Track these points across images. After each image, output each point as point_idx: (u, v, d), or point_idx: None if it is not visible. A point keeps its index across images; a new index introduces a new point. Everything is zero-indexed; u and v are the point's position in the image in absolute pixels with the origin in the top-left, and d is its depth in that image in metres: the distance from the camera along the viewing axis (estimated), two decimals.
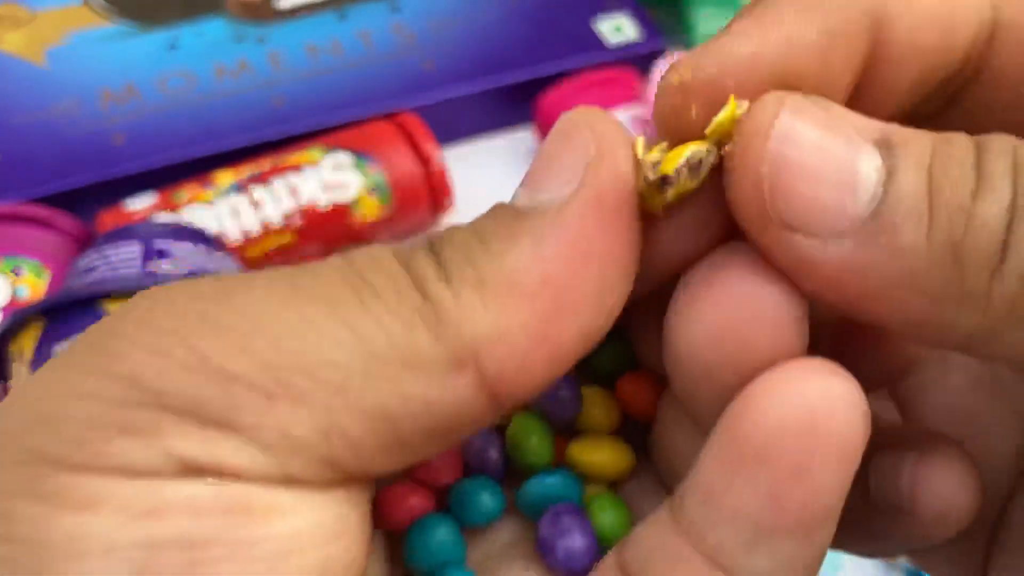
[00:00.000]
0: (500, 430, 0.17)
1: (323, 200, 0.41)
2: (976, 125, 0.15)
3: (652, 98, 0.43)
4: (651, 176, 0.14)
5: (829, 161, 0.13)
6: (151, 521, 0.12)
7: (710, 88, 0.14)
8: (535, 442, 0.17)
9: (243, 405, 0.12)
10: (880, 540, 0.16)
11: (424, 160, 0.43)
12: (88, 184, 0.42)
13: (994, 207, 0.12)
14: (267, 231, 0.41)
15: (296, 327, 0.13)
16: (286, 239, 0.41)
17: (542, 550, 0.16)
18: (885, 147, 0.13)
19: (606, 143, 0.14)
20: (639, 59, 0.48)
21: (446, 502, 0.17)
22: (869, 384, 0.14)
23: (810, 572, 0.13)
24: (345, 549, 0.14)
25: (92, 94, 0.46)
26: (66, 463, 0.12)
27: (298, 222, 0.41)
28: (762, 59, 0.14)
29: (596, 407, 0.17)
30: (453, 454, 0.17)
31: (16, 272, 0.39)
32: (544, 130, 0.45)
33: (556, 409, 0.17)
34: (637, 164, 0.14)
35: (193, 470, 0.12)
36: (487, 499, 0.16)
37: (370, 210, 0.42)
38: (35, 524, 0.12)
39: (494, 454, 0.17)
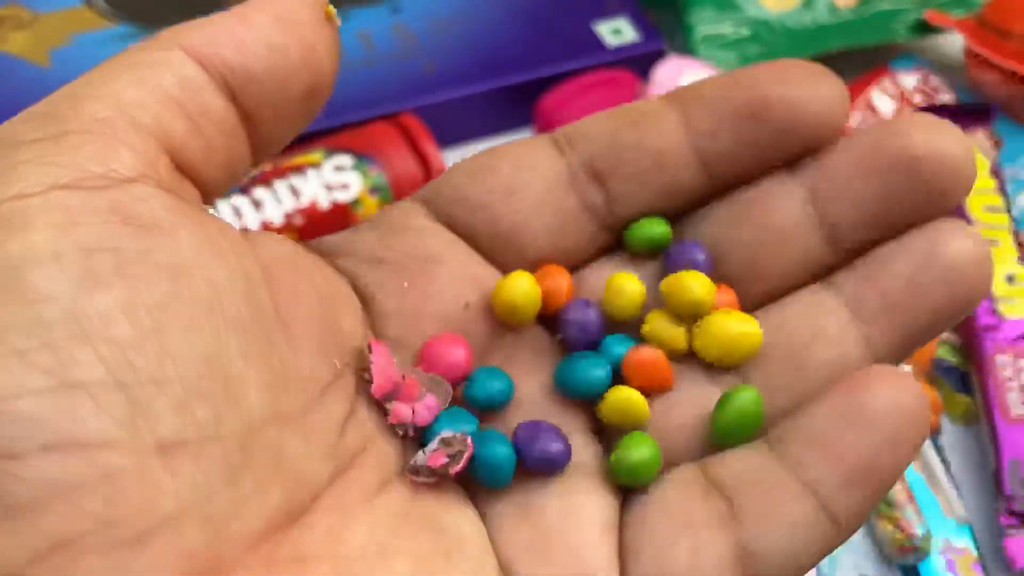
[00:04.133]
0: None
1: (324, 200, 0.42)
2: None
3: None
4: None
5: None
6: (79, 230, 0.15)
7: None
8: None
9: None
10: None
11: (424, 161, 0.43)
12: None
13: None
14: (267, 230, 0.41)
15: None
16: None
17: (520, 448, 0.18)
18: None
19: None
20: (638, 61, 0.48)
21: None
22: None
23: (864, 518, 0.17)
24: (229, 278, 0.16)
25: None
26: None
27: (299, 221, 0.41)
28: None
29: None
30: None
31: None
32: (544, 131, 0.46)
33: (576, 332, 0.20)
34: None
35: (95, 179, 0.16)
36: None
37: (371, 209, 0.42)
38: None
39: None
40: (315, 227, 0.41)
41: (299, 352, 0.17)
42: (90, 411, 0.14)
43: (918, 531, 0.34)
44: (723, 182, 0.20)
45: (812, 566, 0.17)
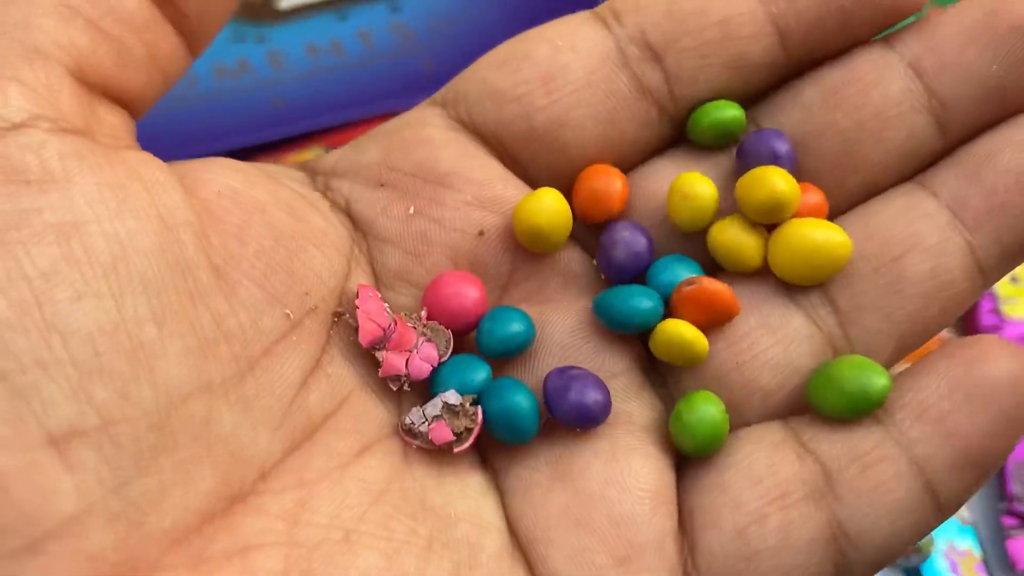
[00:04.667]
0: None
1: None
2: None
3: None
4: None
5: None
6: None
7: None
8: None
9: None
10: None
11: None
12: None
13: None
14: None
15: None
16: None
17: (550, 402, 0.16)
18: None
19: None
20: None
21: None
22: None
23: (960, 506, 0.15)
24: (137, 226, 0.14)
25: None
26: None
27: None
28: None
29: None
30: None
31: None
32: None
33: (618, 265, 0.17)
34: None
35: None
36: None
37: None
38: None
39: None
40: None
41: (238, 305, 0.15)
42: None
43: None
44: (803, 57, 0.17)
45: (903, 554, 0.15)
